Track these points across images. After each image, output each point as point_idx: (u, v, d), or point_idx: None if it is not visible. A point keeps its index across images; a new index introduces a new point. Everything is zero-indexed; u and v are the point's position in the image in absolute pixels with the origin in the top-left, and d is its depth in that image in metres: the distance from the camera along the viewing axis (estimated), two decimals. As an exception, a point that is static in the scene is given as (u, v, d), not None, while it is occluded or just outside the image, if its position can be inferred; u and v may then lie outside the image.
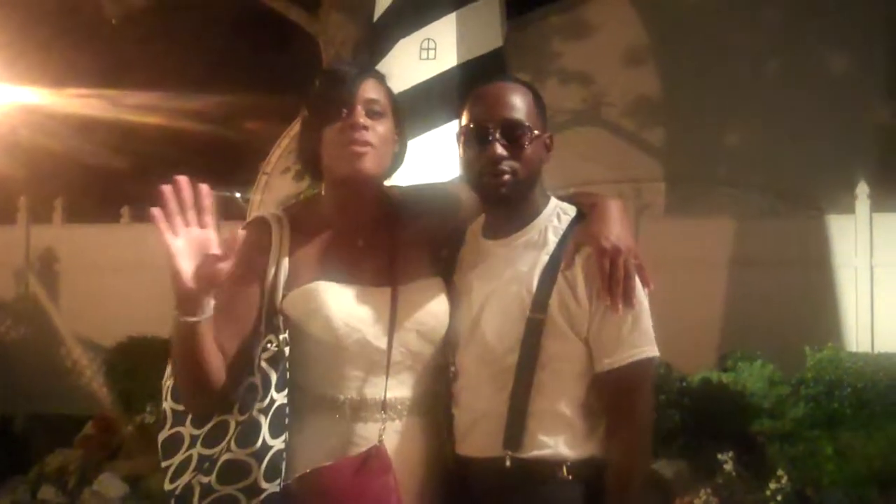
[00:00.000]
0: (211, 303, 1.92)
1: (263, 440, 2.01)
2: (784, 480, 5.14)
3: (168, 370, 2.15)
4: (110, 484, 6.13)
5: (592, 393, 2.09)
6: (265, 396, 2.03)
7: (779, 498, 5.11)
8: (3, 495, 6.41)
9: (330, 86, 2.15)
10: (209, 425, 2.07)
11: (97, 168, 13.29)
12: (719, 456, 5.28)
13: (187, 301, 1.89)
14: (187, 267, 1.86)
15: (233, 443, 2.02)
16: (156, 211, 1.84)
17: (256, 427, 2.01)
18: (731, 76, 8.59)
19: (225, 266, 1.86)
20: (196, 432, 2.08)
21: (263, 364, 2.05)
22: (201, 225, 1.89)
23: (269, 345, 2.07)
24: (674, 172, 8.91)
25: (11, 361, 8.64)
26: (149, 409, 6.30)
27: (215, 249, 1.87)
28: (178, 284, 1.87)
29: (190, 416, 2.09)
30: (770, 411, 5.58)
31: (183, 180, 1.88)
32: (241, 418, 2.03)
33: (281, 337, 2.07)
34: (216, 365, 1.99)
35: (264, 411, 2.02)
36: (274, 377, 2.04)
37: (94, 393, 8.21)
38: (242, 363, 2.06)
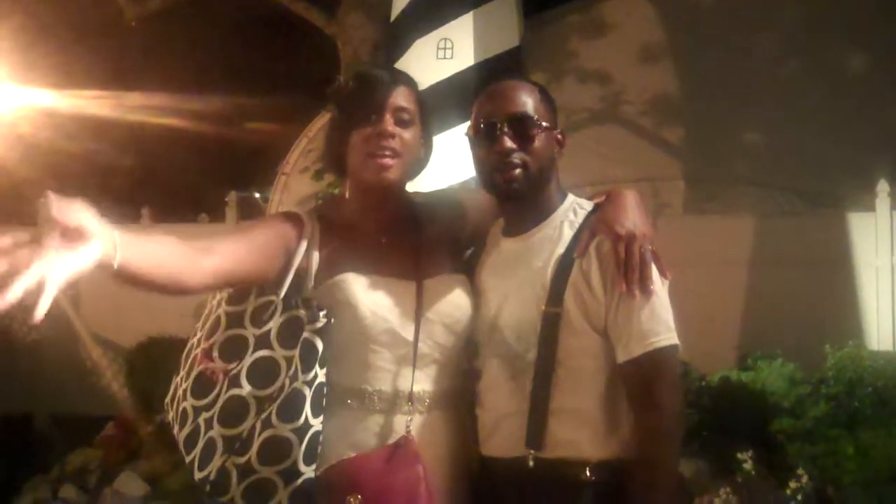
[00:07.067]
0: (115, 237, 1.79)
1: (306, 417, 2.01)
2: (804, 480, 5.10)
3: (181, 371, 2.16)
4: (131, 483, 6.15)
5: (616, 388, 2.06)
6: (310, 369, 2.02)
7: (799, 497, 5.07)
8: (25, 494, 6.45)
9: (362, 89, 2.18)
10: (220, 402, 2.05)
11: (116, 169, 13.37)
12: (739, 455, 5.24)
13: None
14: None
15: (274, 416, 2.01)
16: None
17: (301, 399, 2.01)
18: (750, 74, 8.53)
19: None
20: (208, 415, 2.07)
21: (307, 335, 2.04)
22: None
23: (318, 318, 2.06)
24: (692, 171, 8.85)
25: (32, 362, 8.69)
26: (168, 409, 6.31)
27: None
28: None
29: (204, 403, 2.08)
30: (790, 410, 5.53)
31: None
32: (260, 354, 2.03)
33: (322, 314, 2.06)
34: (171, 264, 1.89)
35: (309, 384, 2.02)
36: (321, 347, 2.04)
37: (114, 393, 8.22)
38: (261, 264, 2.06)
